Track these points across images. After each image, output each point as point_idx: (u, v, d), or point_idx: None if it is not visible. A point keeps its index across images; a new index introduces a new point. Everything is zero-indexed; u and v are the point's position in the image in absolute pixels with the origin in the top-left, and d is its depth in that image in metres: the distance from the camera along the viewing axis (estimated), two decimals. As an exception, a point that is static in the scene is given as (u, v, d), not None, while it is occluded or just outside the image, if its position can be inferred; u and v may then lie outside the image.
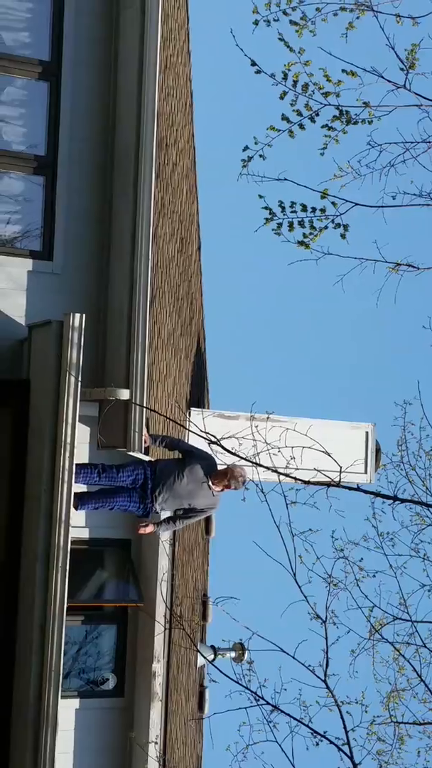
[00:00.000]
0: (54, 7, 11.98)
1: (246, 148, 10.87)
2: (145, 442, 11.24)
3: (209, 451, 11.24)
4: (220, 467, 11.37)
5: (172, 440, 11.65)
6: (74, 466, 10.70)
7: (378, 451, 14.47)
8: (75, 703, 12.04)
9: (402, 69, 10.36)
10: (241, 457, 9.86)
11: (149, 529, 11.45)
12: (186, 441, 11.90)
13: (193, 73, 13.76)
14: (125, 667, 12.31)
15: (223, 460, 11.27)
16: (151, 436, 11.40)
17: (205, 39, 14.25)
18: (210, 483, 11.37)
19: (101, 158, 12.03)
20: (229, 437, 11.37)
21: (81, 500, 11.23)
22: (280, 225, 11.14)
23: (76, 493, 10.93)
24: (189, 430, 11.51)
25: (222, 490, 11.44)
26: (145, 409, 11.02)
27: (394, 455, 13.49)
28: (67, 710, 11.75)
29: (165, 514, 11.63)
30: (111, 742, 12.24)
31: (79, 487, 11.11)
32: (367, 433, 14.45)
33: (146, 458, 11.42)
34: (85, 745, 12.06)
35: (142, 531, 11.43)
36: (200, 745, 14.01)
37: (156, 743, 11.91)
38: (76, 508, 11.06)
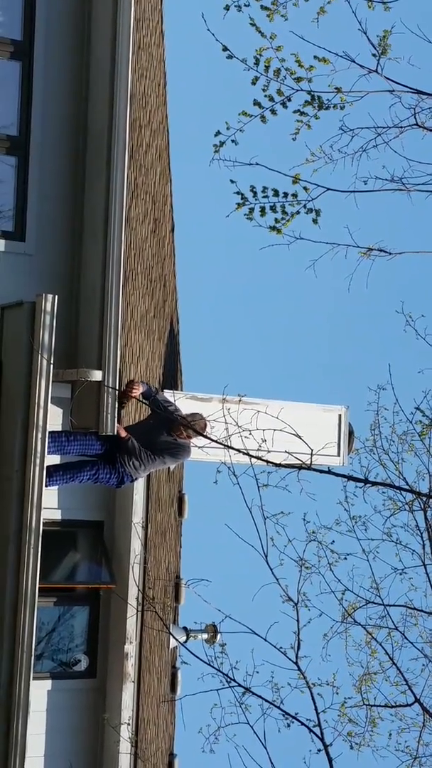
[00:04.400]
0: (26, -13, 11.92)
1: (218, 133, 10.83)
2: (135, 389, 11.28)
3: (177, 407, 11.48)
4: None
5: (156, 399, 11.64)
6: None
7: (351, 434, 14.47)
8: (47, 684, 12.05)
9: (374, 55, 10.33)
10: (213, 440, 9.88)
11: (122, 432, 11.41)
12: (168, 403, 11.90)
13: (166, 54, 13.71)
14: (97, 648, 12.34)
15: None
16: (141, 383, 11.43)
17: (180, 20, 14.18)
18: (176, 438, 11.46)
19: (74, 139, 11.98)
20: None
21: (49, 477, 11.20)
22: (251, 210, 11.12)
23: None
24: (162, 413, 11.51)
25: (187, 438, 11.51)
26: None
27: (367, 440, 13.53)
28: (39, 691, 11.76)
29: (142, 477, 11.67)
30: (83, 724, 12.27)
31: (50, 459, 11.08)
32: (340, 416, 14.45)
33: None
34: (57, 727, 12.08)
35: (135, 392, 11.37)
36: (172, 727, 14.06)
37: (128, 724, 11.95)
38: (45, 485, 11.05)
